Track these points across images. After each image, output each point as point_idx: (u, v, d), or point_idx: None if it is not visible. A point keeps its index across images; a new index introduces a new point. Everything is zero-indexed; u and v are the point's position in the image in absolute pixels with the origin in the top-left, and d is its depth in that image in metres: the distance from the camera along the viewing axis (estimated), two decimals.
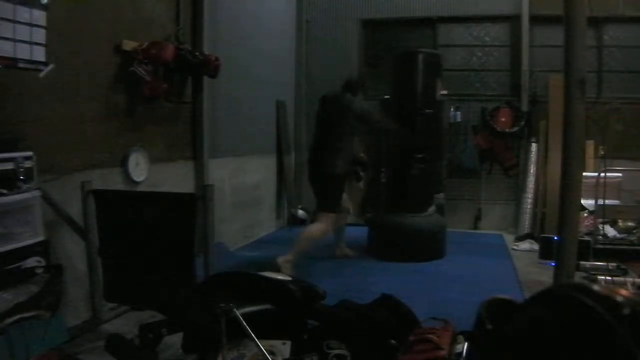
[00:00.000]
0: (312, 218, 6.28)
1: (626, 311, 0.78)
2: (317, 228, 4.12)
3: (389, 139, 4.95)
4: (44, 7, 2.57)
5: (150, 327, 2.40)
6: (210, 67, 3.97)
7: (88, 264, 2.84)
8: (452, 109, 5.96)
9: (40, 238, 2.44)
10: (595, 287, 0.87)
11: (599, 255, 3.95)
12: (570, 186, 2.64)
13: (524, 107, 5.88)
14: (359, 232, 5.12)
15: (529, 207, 5.64)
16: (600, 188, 4.24)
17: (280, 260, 3.85)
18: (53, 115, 2.76)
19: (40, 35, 2.56)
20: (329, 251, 4.86)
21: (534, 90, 5.91)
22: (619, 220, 4.71)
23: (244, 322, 1.81)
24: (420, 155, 4.59)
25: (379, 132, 4.49)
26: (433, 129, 4.78)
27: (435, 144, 4.92)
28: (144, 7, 3.55)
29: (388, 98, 5.13)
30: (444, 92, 5.71)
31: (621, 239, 4.53)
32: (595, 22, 5.53)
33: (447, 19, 6.18)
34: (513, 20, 5.99)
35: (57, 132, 2.80)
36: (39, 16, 2.54)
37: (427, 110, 4.63)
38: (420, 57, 4.69)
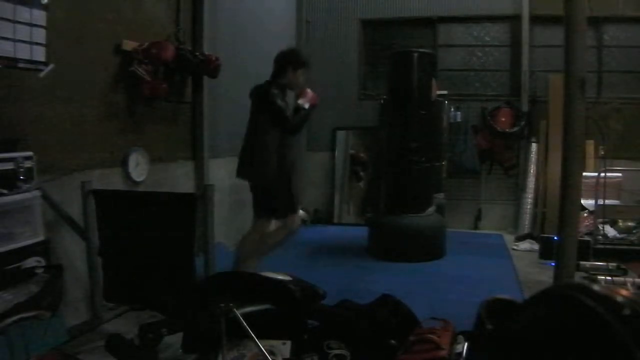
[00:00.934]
0: (313, 217, 6.32)
1: (626, 311, 0.78)
2: (247, 236, 3.57)
3: (389, 139, 4.95)
4: (44, 7, 2.57)
5: (150, 327, 2.40)
6: (210, 67, 3.97)
7: (88, 264, 2.84)
8: (452, 109, 5.96)
9: (40, 238, 2.45)
10: (595, 287, 0.87)
11: (599, 255, 3.95)
12: (570, 186, 2.63)
13: (524, 107, 5.87)
14: (359, 232, 5.12)
15: (529, 207, 5.64)
16: (600, 188, 4.24)
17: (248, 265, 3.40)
18: (53, 115, 2.76)
19: (40, 35, 2.56)
20: (329, 252, 4.88)
21: (534, 90, 5.91)
22: (619, 220, 4.71)
23: (244, 322, 1.81)
24: (415, 158, 4.59)
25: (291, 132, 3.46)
26: (430, 129, 4.79)
27: (434, 144, 4.92)
28: (144, 7, 3.55)
29: (386, 98, 5.14)
30: (444, 92, 5.72)
31: (621, 239, 4.53)
32: (595, 22, 5.53)
33: (447, 19, 6.18)
34: (513, 20, 5.98)
35: (57, 132, 2.80)
36: (39, 16, 2.54)
37: (422, 112, 4.63)
38: (415, 56, 4.69)
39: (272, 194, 3.44)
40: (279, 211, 3.51)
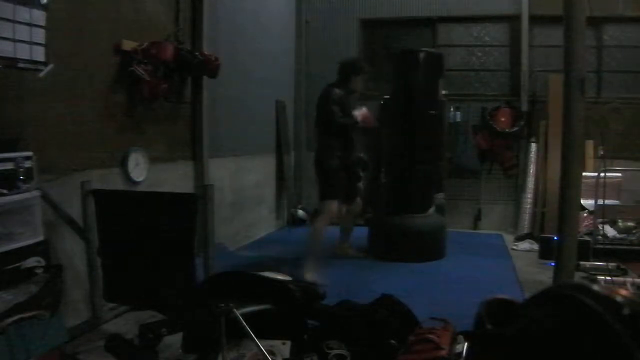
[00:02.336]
0: (311, 218, 6.32)
1: (626, 311, 0.78)
2: (318, 220, 4.12)
3: (390, 139, 4.94)
4: (44, 7, 2.57)
5: (150, 327, 2.40)
6: (210, 67, 3.97)
7: (88, 264, 2.84)
8: (452, 109, 5.96)
9: (40, 238, 2.45)
10: (595, 287, 0.86)
11: (599, 255, 3.95)
12: (570, 186, 2.64)
13: (524, 107, 5.88)
14: (359, 232, 5.12)
15: (528, 207, 5.64)
16: (600, 188, 4.24)
17: (307, 275, 3.78)
18: (53, 115, 2.76)
19: (40, 35, 2.56)
20: (329, 250, 4.86)
21: (534, 90, 5.91)
22: (619, 220, 4.71)
23: (244, 322, 1.81)
24: (417, 158, 4.59)
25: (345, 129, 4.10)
26: (433, 129, 4.78)
27: (437, 144, 4.92)
28: (144, 7, 3.55)
29: (388, 98, 5.13)
30: (444, 92, 5.72)
31: (621, 239, 4.53)
32: (595, 22, 5.52)
33: (447, 19, 6.18)
34: (513, 20, 5.99)
35: (57, 132, 2.80)
36: (39, 16, 2.54)
37: (431, 112, 4.62)
38: (422, 56, 4.67)
39: (336, 178, 4.05)
40: (341, 195, 4.15)
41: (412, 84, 4.66)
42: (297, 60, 6.53)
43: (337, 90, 4.02)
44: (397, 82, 4.86)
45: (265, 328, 1.97)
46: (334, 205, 4.08)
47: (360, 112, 4.12)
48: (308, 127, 6.54)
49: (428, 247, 4.57)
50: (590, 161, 5.11)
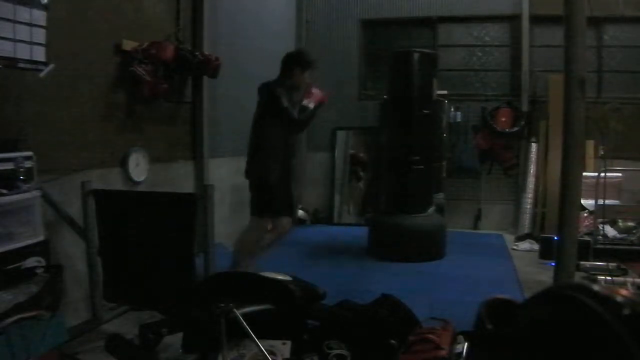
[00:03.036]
0: (313, 217, 6.32)
1: (626, 311, 0.78)
2: (244, 235, 3.60)
3: (389, 139, 4.95)
4: (44, 7, 2.57)
5: (150, 327, 2.40)
6: (210, 67, 3.97)
7: (88, 264, 2.84)
8: (452, 109, 5.96)
9: (40, 238, 2.44)
10: (595, 287, 0.86)
11: (599, 255, 3.95)
12: (570, 186, 2.64)
13: (524, 107, 5.87)
14: (359, 232, 5.12)
15: (529, 207, 5.64)
16: (600, 188, 4.24)
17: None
18: (53, 115, 2.77)
19: (40, 35, 2.56)
20: (331, 249, 4.87)
21: (534, 90, 5.91)
22: (619, 220, 4.71)
23: (244, 322, 1.82)
24: (415, 158, 4.59)
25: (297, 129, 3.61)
26: (430, 128, 4.78)
27: (434, 144, 4.92)
28: (144, 7, 3.55)
29: (386, 98, 5.14)
30: (444, 92, 5.72)
31: (621, 239, 4.53)
32: (595, 22, 5.52)
33: (447, 19, 6.17)
34: (513, 20, 5.98)
35: (57, 132, 2.80)
36: (39, 16, 2.54)
37: (424, 111, 4.63)
38: (415, 56, 4.68)
39: (273, 193, 3.44)
40: (279, 211, 3.52)
41: (406, 84, 4.66)
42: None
43: (279, 88, 3.45)
44: (392, 82, 4.88)
45: (265, 328, 1.97)
46: (267, 223, 3.53)
47: (313, 96, 3.51)
48: (308, 127, 6.53)
49: (428, 247, 4.56)
50: (590, 161, 5.10)
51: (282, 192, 3.49)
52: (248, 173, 3.58)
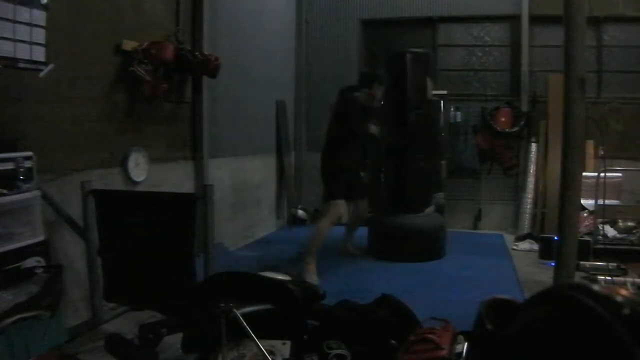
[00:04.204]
0: (313, 217, 6.31)
1: (626, 311, 0.78)
2: (322, 221, 4.15)
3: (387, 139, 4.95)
4: (44, 7, 2.57)
5: (150, 327, 2.40)
6: (210, 67, 3.97)
7: (88, 264, 2.84)
8: (452, 109, 5.96)
9: (40, 238, 2.44)
10: (595, 287, 0.86)
11: (599, 255, 3.95)
12: (570, 186, 2.63)
13: (524, 107, 5.88)
14: (359, 232, 5.12)
15: (529, 207, 5.64)
16: (600, 188, 4.24)
17: (305, 272, 3.84)
18: (53, 115, 2.76)
19: (40, 35, 2.56)
20: (330, 249, 4.87)
21: (534, 90, 5.91)
22: (619, 220, 4.71)
23: (244, 322, 1.81)
24: (411, 158, 4.60)
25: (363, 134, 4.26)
26: (426, 128, 4.79)
27: (432, 144, 4.92)
28: (144, 7, 3.55)
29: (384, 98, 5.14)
30: (444, 92, 5.72)
31: (621, 239, 4.53)
32: (595, 22, 5.53)
33: (447, 19, 6.18)
34: (513, 20, 5.98)
35: (57, 132, 2.80)
36: (39, 16, 2.54)
37: (417, 110, 4.64)
38: (408, 57, 4.69)
39: (344, 179, 4.14)
40: (353, 196, 4.26)
41: (400, 85, 4.68)
42: (297, 60, 6.53)
43: (361, 96, 4.14)
44: (389, 82, 4.88)
45: (265, 328, 1.97)
46: (337, 208, 4.12)
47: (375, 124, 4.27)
48: (308, 127, 6.54)
49: (428, 247, 4.57)
50: (590, 161, 5.10)
51: (356, 180, 4.29)
52: (324, 162, 4.24)
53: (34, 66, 2.56)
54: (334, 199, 4.10)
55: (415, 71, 4.66)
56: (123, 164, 3.33)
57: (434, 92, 5.17)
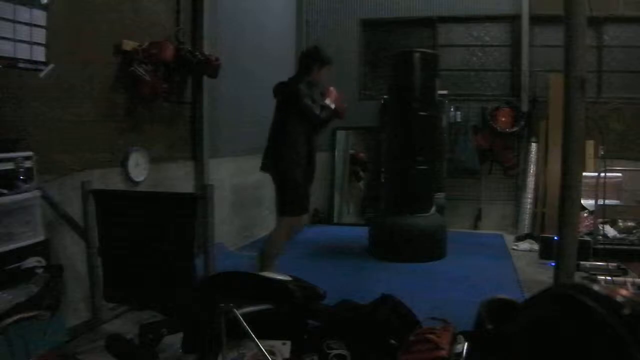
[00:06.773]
0: (313, 217, 6.31)
1: (626, 311, 0.78)
2: (274, 235, 3.62)
3: (389, 139, 4.94)
4: (44, 7, 2.57)
5: (150, 327, 2.40)
6: (210, 67, 3.97)
7: (88, 264, 2.84)
8: (452, 109, 5.96)
9: (40, 238, 2.44)
10: (595, 287, 0.87)
11: (599, 255, 3.95)
12: (570, 186, 2.63)
13: (524, 107, 5.88)
14: (359, 232, 5.12)
15: (529, 207, 5.64)
16: (600, 188, 4.24)
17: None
18: (53, 115, 2.76)
19: (40, 35, 2.56)
20: (329, 252, 4.87)
21: (534, 90, 5.91)
22: (619, 220, 4.71)
23: (244, 322, 1.82)
24: (416, 158, 4.59)
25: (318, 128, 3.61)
26: (431, 129, 4.78)
27: (434, 144, 4.92)
28: (144, 7, 3.55)
29: (387, 98, 5.13)
30: (444, 92, 5.72)
31: (621, 239, 4.53)
32: (595, 22, 5.53)
33: (447, 19, 6.18)
34: (513, 20, 5.99)
35: (57, 132, 2.80)
36: (39, 16, 2.55)
37: (426, 112, 4.63)
38: (417, 57, 4.67)
39: (300, 191, 3.50)
40: (305, 208, 3.62)
41: (408, 85, 4.66)
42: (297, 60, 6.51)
43: (302, 85, 3.46)
44: (394, 82, 4.88)
45: (265, 328, 1.97)
46: (296, 220, 3.60)
47: (331, 97, 3.58)
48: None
49: (428, 247, 4.56)
50: (590, 161, 5.10)
51: (305, 190, 3.56)
52: (269, 169, 3.58)
53: (34, 66, 2.56)
54: (284, 215, 3.56)
55: (423, 71, 4.65)
56: (123, 164, 3.33)
57: (439, 92, 5.16)
